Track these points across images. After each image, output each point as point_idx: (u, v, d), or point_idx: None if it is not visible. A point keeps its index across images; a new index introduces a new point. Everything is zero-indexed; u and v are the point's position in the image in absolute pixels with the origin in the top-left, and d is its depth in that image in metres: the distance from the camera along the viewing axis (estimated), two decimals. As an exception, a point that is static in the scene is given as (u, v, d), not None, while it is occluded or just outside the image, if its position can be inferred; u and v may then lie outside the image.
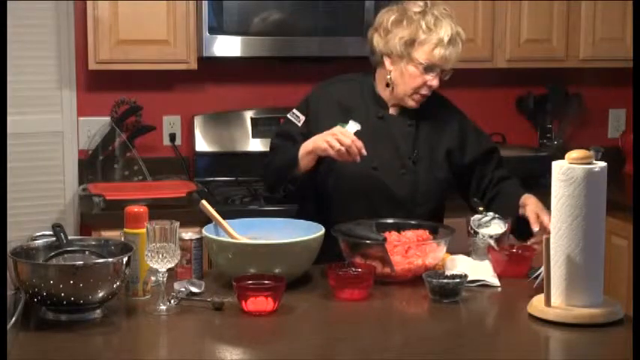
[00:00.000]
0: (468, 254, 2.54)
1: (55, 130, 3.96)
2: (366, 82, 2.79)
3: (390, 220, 2.57)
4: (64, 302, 2.04)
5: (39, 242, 2.23)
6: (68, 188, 3.98)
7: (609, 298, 2.17)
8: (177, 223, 2.18)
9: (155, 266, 2.15)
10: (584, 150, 2.13)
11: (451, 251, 2.51)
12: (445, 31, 2.62)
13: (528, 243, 2.57)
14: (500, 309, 2.33)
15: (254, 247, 2.37)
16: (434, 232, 2.52)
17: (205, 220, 2.50)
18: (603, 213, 2.12)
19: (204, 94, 4.11)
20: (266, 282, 2.19)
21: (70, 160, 3.98)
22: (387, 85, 2.71)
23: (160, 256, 2.14)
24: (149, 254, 2.15)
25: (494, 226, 2.58)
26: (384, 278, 2.38)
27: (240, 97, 4.12)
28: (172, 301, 2.19)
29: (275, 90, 4.13)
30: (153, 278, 2.20)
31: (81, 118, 3.98)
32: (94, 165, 3.94)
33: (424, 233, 2.50)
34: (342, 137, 2.51)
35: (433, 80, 2.65)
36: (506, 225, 2.58)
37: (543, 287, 2.12)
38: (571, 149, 2.14)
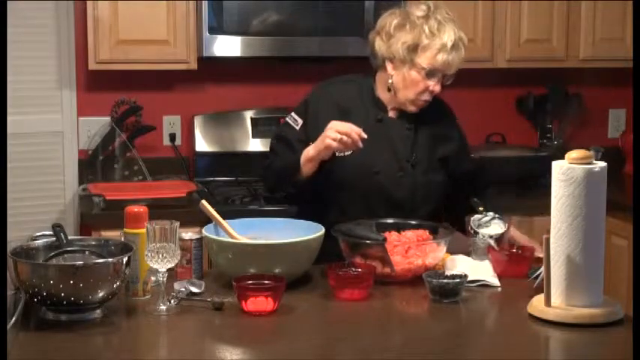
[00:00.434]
0: (468, 254, 2.54)
1: (55, 130, 3.96)
2: (366, 84, 2.79)
3: (390, 220, 2.57)
4: (64, 302, 2.04)
5: (39, 242, 2.23)
6: (68, 188, 3.98)
7: (609, 298, 2.17)
8: (177, 223, 2.18)
9: (155, 266, 2.15)
10: (584, 150, 2.13)
11: (451, 251, 2.51)
12: (448, 36, 2.60)
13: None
14: (500, 309, 2.33)
15: (254, 247, 2.37)
16: (434, 232, 2.52)
17: (205, 220, 2.50)
18: (603, 213, 2.12)
19: (204, 94, 4.10)
20: (266, 282, 2.19)
21: (70, 160, 3.98)
22: (389, 89, 2.70)
23: (160, 256, 2.14)
24: (149, 254, 2.15)
25: (494, 226, 2.58)
26: (384, 278, 2.38)
27: (240, 97, 4.12)
28: (172, 301, 2.19)
29: (275, 90, 4.13)
30: (153, 278, 2.20)
31: (81, 118, 3.98)
32: (94, 165, 3.94)
33: (424, 233, 2.49)
34: (339, 127, 2.51)
35: (435, 86, 2.65)
36: (507, 225, 2.58)
37: (543, 287, 2.12)
38: (571, 149, 2.14)
